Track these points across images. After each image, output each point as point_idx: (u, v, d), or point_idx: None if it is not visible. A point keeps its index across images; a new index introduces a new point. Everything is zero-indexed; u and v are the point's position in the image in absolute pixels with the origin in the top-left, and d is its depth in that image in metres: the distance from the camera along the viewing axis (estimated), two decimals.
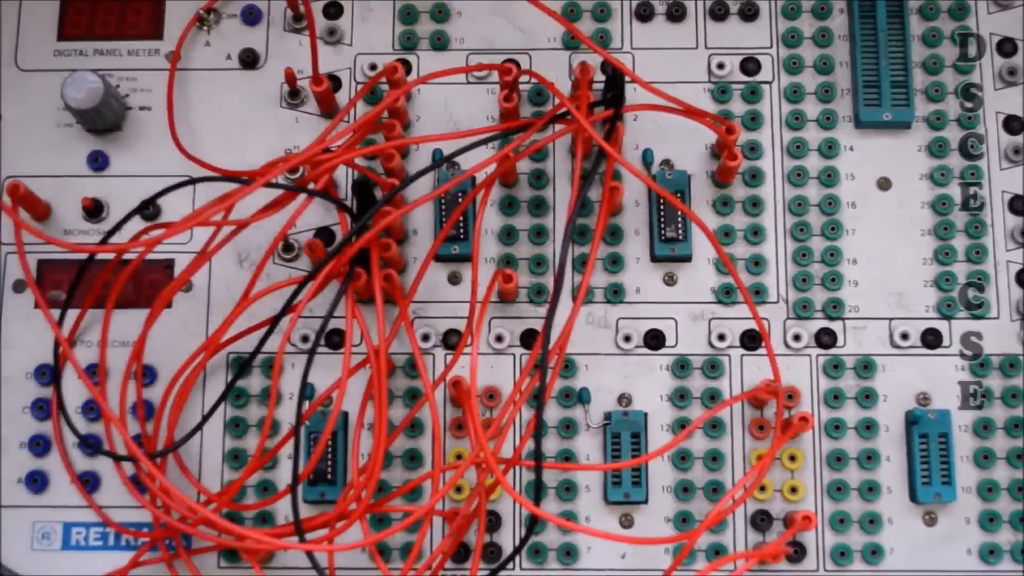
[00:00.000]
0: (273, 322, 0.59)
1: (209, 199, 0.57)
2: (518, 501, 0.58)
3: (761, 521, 0.60)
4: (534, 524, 0.56)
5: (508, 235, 0.62)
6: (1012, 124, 0.63)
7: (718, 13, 0.65)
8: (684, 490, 0.60)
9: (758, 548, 0.59)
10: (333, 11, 0.65)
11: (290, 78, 0.63)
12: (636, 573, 0.60)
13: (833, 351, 0.61)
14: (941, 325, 0.61)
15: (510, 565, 0.59)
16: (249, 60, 0.65)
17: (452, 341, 0.62)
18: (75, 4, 0.65)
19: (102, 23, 0.65)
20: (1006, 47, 0.64)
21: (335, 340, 0.62)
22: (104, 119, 0.63)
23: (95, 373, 0.61)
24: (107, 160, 0.64)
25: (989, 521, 0.59)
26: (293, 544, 0.55)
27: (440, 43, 0.65)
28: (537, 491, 0.55)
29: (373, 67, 0.64)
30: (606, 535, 0.55)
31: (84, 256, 0.60)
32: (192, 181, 0.57)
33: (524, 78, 0.62)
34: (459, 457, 0.60)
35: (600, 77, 0.61)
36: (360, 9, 0.65)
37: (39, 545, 0.60)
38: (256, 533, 0.55)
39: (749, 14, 0.65)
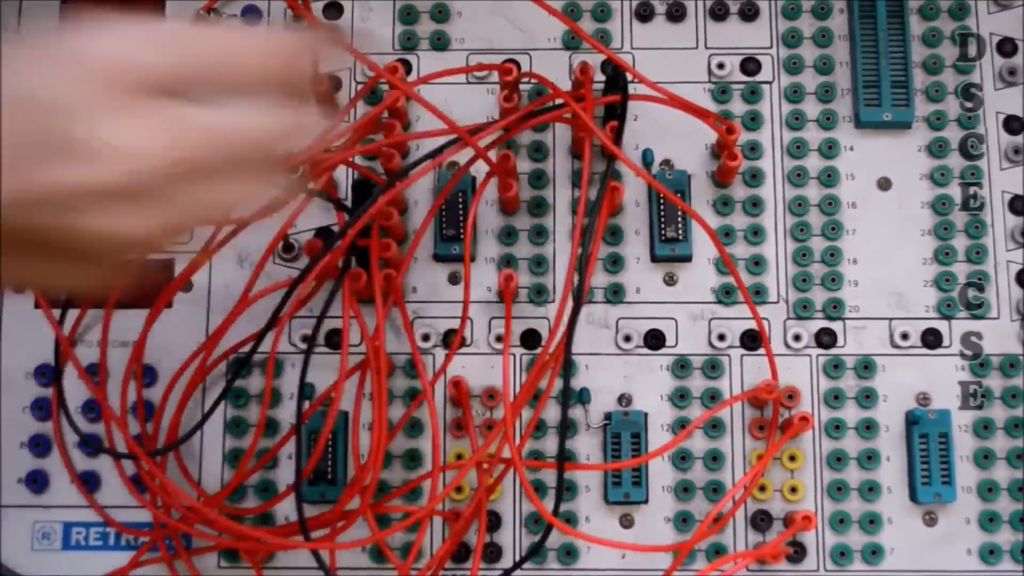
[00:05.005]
0: (270, 322, 0.59)
1: None
2: (538, 508, 0.56)
3: (761, 521, 0.60)
4: (547, 534, 0.56)
5: (508, 235, 0.62)
6: (1012, 124, 0.63)
7: (718, 13, 0.65)
8: (684, 490, 0.60)
9: (758, 548, 0.59)
10: (333, 11, 0.65)
11: None
12: (636, 573, 0.59)
13: (833, 351, 0.61)
14: (941, 325, 0.61)
15: (509, 565, 0.59)
16: None
17: (453, 341, 0.61)
18: (75, 4, 0.65)
19: None
20: (1006, 47, 0.64)
21: (336, 340, 0.62)
22: None
23: (95, 373, 0.61)
24: None
25: (989, 521, 0.59)
26: (296, 543, 0.55)
27: (440, 43, 0.65)
28: (558, 497, 0.55)
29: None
30: (607, 542, 0.56)
31: None
32: None
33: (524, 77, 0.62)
34: (459, 457, 0.60)
35: (600, 77, 0.61)
36: (360, 9, 0.65)
37: (39, 545, 0.60)
38: (259, 532, 0.55)
39: (749, 14, 0.65)
